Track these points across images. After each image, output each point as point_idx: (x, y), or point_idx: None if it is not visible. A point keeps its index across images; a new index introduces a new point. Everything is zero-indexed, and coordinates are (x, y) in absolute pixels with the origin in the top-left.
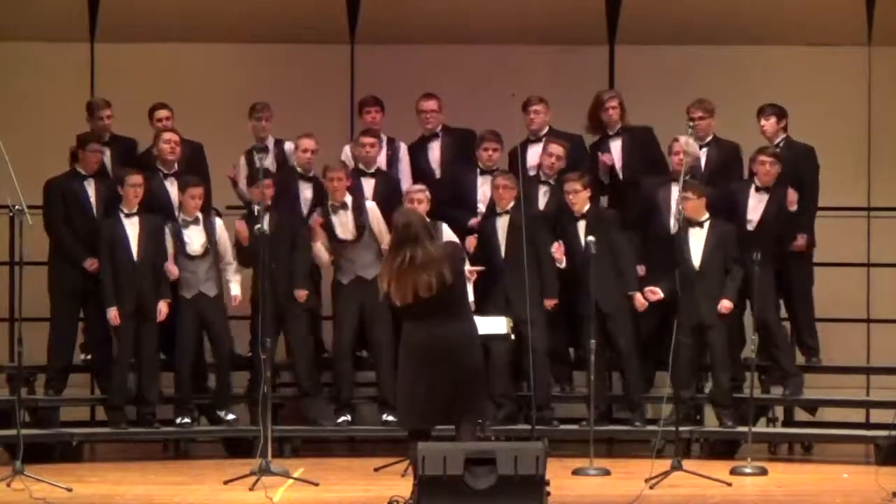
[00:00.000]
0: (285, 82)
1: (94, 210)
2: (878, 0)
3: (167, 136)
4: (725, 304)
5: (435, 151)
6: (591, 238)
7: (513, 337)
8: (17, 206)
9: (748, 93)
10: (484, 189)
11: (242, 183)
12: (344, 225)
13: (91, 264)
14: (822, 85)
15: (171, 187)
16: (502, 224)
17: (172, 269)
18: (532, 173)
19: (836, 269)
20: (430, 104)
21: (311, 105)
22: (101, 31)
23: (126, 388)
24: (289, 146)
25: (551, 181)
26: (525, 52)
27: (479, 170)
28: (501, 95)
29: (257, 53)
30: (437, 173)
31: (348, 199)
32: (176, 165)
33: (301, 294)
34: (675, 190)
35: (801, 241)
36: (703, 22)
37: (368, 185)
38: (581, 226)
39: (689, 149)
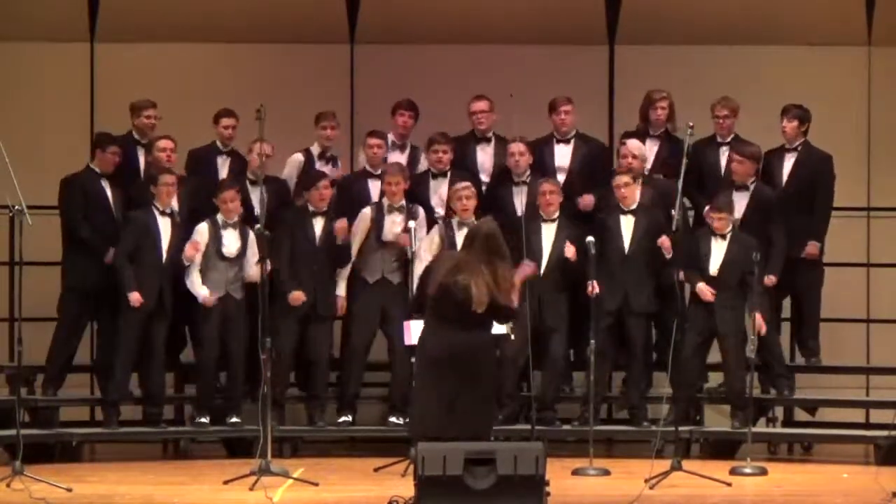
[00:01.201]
0: (285, 82)
1: (113, 209)
2: (878, 0)
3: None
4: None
5: (486, 154)
6: (590, 238)
7: (512, 337)
8: (17, 206)
9: (748, 93)
10: (440, 192)
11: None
12: (393, 227)
13: (110, 258)
14: (822, 85)
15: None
16: (549, 231)
17: (190, 254)
18: (561, 176)
19: (836, 269)
20: (482, 105)
21: (311, 105)
22: (101, 31)
23: (126, 387)
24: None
25: (525, 181)
26: (525, 52)
27: (431, 173)
28: (501, 95)
29: (257, 53)
30: (485, 177)
31: (404, 203)
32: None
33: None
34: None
35: (812, 248)
36: (703, 22)
37: (375, 186)
38: (628, 221)
39: (639, 153)
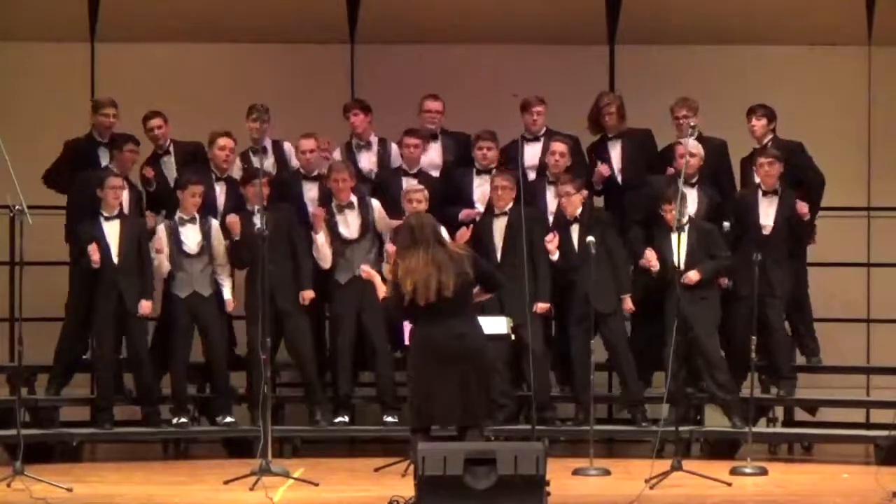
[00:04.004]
0: (285, 82)
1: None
2: (878, 0)
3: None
4: (690, 276)
5: (435, 152)
6: (590, 238)
7: (513, 337)
8: (17, 206)
9: (748, 93)
10: (483, 189)
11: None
12: (348, 224)
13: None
14: (822, 85)
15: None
16: (500, 225)
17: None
18: (531, 174)
19: (836, 269)
20: (436, 105)
21: (311, 105)
22: (101, 31)
23: (111, 389)
24: (287, 147)
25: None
26: (525, 52)
27: (475, 169)
28: (502, 95)
29: (257, 53)
30: (437, 173)
31: (353, 198)
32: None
33: (307, 295)
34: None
35: (801, 208)
36: (703, 22)
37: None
38: (574, 229)
39: (694, 150)
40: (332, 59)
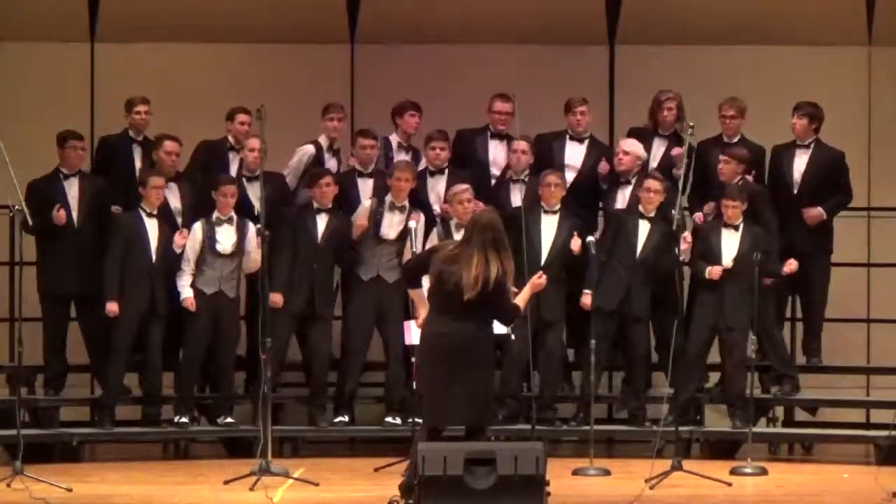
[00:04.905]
0: (285, 82)
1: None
2: (878, 0)
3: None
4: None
5: (501, 153)
6: (590, 238)
7: (513, 337)
8: (17, 206)
9: (748, 93)
10: (437, 190)
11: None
12: (392, 226)
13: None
14: (822, 85)
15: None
16: (549, 224)
17: (179, 242)
18: (572, 174)
19: (836, 269)
20: (506, 106)
21: (311, 105)
22: (101, 31)
23: (120, 388)
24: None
25: (524, 178)
26: (525, 52)
27: (428, 170)
28: None
29: (257, 53)
30: (495, 172)
31: (406, 203)
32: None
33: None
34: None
35: (815, 212)
36: (703, 22)
37: (366, 186)
38: (645, 226)
39: (632, 149)
40: (332, 59)
